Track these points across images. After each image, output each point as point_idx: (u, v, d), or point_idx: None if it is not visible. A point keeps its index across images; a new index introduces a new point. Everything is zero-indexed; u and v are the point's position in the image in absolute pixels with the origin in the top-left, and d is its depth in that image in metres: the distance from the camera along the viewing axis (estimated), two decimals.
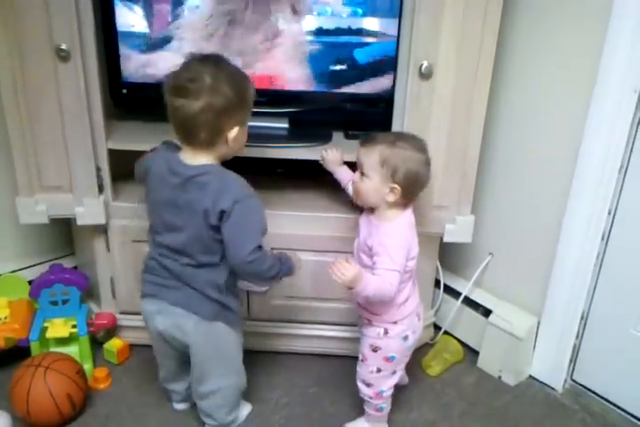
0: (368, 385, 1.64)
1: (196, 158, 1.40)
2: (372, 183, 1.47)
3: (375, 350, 1.60)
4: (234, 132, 1.37)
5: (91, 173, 1.68)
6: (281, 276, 1.49)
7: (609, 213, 1.67)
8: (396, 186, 1.45)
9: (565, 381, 1.88)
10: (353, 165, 1.70)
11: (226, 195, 1.35)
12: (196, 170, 1.38)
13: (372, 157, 1.45)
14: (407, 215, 1.52)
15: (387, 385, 1.64)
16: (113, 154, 1.70)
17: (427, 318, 2.02)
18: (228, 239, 1.38)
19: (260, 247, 1.39)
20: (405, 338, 1.59)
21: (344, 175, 1.67)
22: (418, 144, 1.47)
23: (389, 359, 1.60)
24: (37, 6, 1.48)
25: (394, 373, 1.63)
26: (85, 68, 1.56)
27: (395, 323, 1.57)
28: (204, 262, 1.44)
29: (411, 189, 1.48)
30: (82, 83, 1.57)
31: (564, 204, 1.71)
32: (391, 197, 1.46)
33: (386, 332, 1.58)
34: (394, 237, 1.47)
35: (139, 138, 1.72)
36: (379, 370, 1.61)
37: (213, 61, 1.37)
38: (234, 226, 1.36)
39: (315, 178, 1.84)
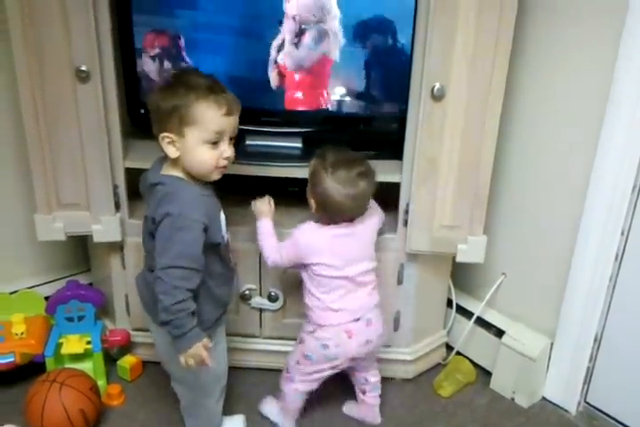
0: (287, 370, 1.70)
1: (167, 168, 1.45)
2: (308, 190, 1.60)
3: (301, 341, 1.65)
4: (162, 136, 1.39)
5: (108, 191, 1.71)
6: (171, 332, 1.38)
7: (622, 234, 1.66)
8: (312, 200, 1.57)
9: (579, 403, 1.86)
10: None
11: (163, 206, 1.37)
12: (158, 179, 1.43)
13: (310, 166, 1.59)
14: (324, 230, 1.58)
15: (295, 385, 1.70)
16: (129, 172, 1.73)
17: (438, 338, 2.02)
18: (155, 249, 1.39)
19: (174, 269, 1.34)
20: (325, 347, 1.61)
21: None
22: (347, 176, 1.53)
23: (306, 357, 1.64)
24: (58, 28, 1.52)
25: (306, 380, 1.68)
26: (104, 89, 1.60)
27: (320, 326, 1.61)
28: (152, 266, 1.43)
29: (323, 209, 1.57)
30: (101, 103, 1.60)
31: (576, 224, 1.71)
32: (313, 209, 1.59)
33: (313, 331, 1.62)
34: (297, 231, 1.60)
35: (156, 157, 1.74)
36: (297, 362, 1.66)
37: (194, 72, 1.44)
38: (159, 238, 1.38)
39: None
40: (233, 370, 1.73)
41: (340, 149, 1.62)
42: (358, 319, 1.61)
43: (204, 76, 1.42)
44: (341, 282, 1.59)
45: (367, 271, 1.62)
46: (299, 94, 1.72)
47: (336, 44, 1.64)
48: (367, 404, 1.79)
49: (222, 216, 1.51)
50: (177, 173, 1.43)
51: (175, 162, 1.43)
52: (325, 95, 1.72)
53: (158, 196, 1.40)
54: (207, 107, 1.38)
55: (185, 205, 1.37)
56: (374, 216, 1.65)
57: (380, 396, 1.80)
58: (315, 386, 1.70)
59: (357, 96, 1.71)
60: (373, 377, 1.76)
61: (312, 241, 1.58)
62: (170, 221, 1.36)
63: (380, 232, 1.71)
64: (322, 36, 1.63)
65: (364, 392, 1.78)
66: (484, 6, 1.48)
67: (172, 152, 1.40)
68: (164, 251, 1.36)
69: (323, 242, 1.58)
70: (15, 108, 1.67)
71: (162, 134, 1.39)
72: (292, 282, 1.81)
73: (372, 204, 1.66)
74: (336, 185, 1.53)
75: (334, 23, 1.62)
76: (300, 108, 1.74)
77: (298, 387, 1.70)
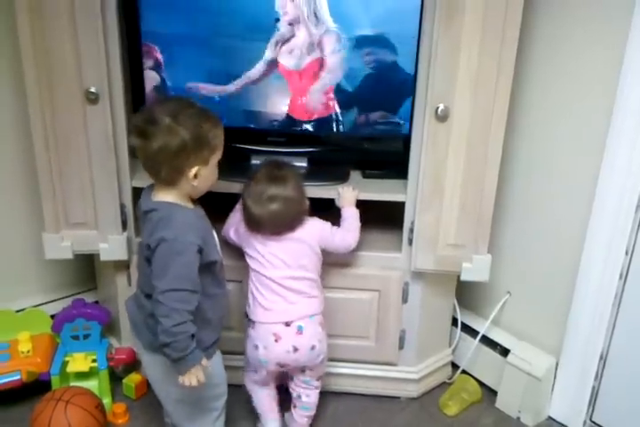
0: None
1: (158, 195, 1.44)
2: None
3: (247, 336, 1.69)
4: (194, 171, 1.39)
5: (115, 211, 1.73)
6: (171, 355, 1.36)
7: (626, 253, 1.67)
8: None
9: (585, 422, 1.85)
10: (366, 203, 1.73)
11: (157, 231, 1.38)
12: (152, 206, 1.43)
13: None
14: (249, 233, 1.65)
15: (248, 386, 1.75)
16: (136, 192, 1.74)
17: (444, 356, 2.02)
18: (152, 273, 1.40)
19: (172, 292, 1.35)
20: (255, 348, 1.64)
21: (346, 214, 1.73)
22: (260, 194, 1.58)
23: (246, 361, 1.70)
24: (68, 51, 1.55)
25: (253, 388, 1.73)
26: (113, 110, 1.63)
27: (253, 322, 1.65)
28: (148, 293, 1.43)
29: (245, 217, 1.63)
30: (109, 124, 1.63)
31: (581, 243, 1.72)
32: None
33: (252, 326, 1.66)
34: None
35: None
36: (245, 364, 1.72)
37: (174, 103, 1.41)
38: (155, 262, 1.38)
39: (331, 215, 1.87)
40: (236, 388, 1.73)
41: (281, 165, 1.64)
42: (289, 325, 1.63)
43: (188, 100, 1.44)
44: (267, 281, 1.63)
45: (296, 279, 1.63)
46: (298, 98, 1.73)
47: (331, 47, 1.65)
48: (294, 419, 1.78)
49: (215, 234, 1.52)
50: (169, 198, 1.43)
51: (167, 187, 1.43)
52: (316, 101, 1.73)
53: (153, 222, 1.41)
54: (221, 131, 1.43)
55: (179, 230, 1.38)
56: (312, 232, 1.65)
57: (311, 419, 1.79)
58: (267, 390, 1.73)
59: (362, 116, 1.73)
60: (306, 397, 1.75)
61: (243, 234, 1.66)
62: (166, 246, 1.37)
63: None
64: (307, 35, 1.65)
65: (294, 406, 1.78)
66: (487, 27, 1.50)
67: (195, 182, 1.41)
68: (161, 275, 1.37)
69: (250, 236, 1.65)
70: (25, 127, 1.70)
71: (193, 169, 1.39)
72: None
73: (313, 221, 1.67)
74: (249, 200, 1.59)
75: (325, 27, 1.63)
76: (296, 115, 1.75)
77: (251, 388, 1.74)
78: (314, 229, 1.66)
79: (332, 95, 1.71)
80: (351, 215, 1.72)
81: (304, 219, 1.65)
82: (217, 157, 1.44)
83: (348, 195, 1.73)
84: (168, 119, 1.35)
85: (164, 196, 1.43)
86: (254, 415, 1.81)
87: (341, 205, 1.73)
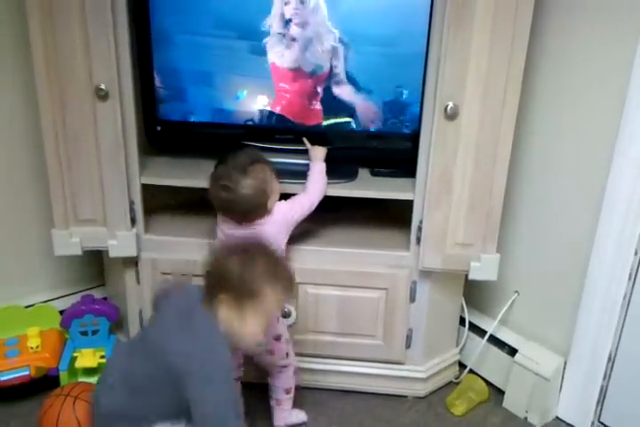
0: None
1: None
2: None
3: None
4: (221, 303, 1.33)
5: (124, 208, 1.73)
6: None
7: (635, 254, 1.66)
8: None
9: (593, 423, 1.84)
10: (374, 201, 1.73)
11: None
12: None
13: None
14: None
15: None
16: (145, 188, 1.75)
17: (451, 356, 2.02)
18: None
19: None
20: None
21: (314, 169, 1.73)
22: (215, 181, 1.58)
23: None
24: (79, 49, 1.56)
25: None
26: (122, 107, 1.63)
27: None
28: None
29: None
30: (119, 121, 1.63)
31: (590, 243, 1.71)
32: None
33: None
34: None
35: (171, 173, 1.78)
36: None
37: (258, 249, 1.37)
38: None
39: (340, 213, 1.88)
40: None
41: (255, 159, 1.61)
42: None
43: (273, 252, 1.39)
44: None
45: None
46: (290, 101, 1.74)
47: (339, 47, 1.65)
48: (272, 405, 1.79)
49: None
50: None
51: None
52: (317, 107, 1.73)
53: None
54: (278, 293, 1.36)
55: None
56: (274, 221, 1.64)
57: (279, 403, 1.78)
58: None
59: (370, 114, 1.73)
60: (270, 377, 1.76)
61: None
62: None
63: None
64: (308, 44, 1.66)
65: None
66: (497, 27, 1.49)
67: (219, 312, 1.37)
68: None
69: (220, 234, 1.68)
70: (34, 124, 1.71)
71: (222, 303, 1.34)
72: (305, 299, 1.82)
73: (278, 210, 1.65)
74: (209, 179, 1.59)
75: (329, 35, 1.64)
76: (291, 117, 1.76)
77: None
78: (277, 219, 1.64)
79: (340, 93, 1.71)
80: (319, 171, 1.71)
81: (265, 213, 1.63)
82: (259, 311, 1.33)
83: (318, 149, 1.73)
84: (237, 266, 1.31)
85: None
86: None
87: (311, 157, 1.73)
